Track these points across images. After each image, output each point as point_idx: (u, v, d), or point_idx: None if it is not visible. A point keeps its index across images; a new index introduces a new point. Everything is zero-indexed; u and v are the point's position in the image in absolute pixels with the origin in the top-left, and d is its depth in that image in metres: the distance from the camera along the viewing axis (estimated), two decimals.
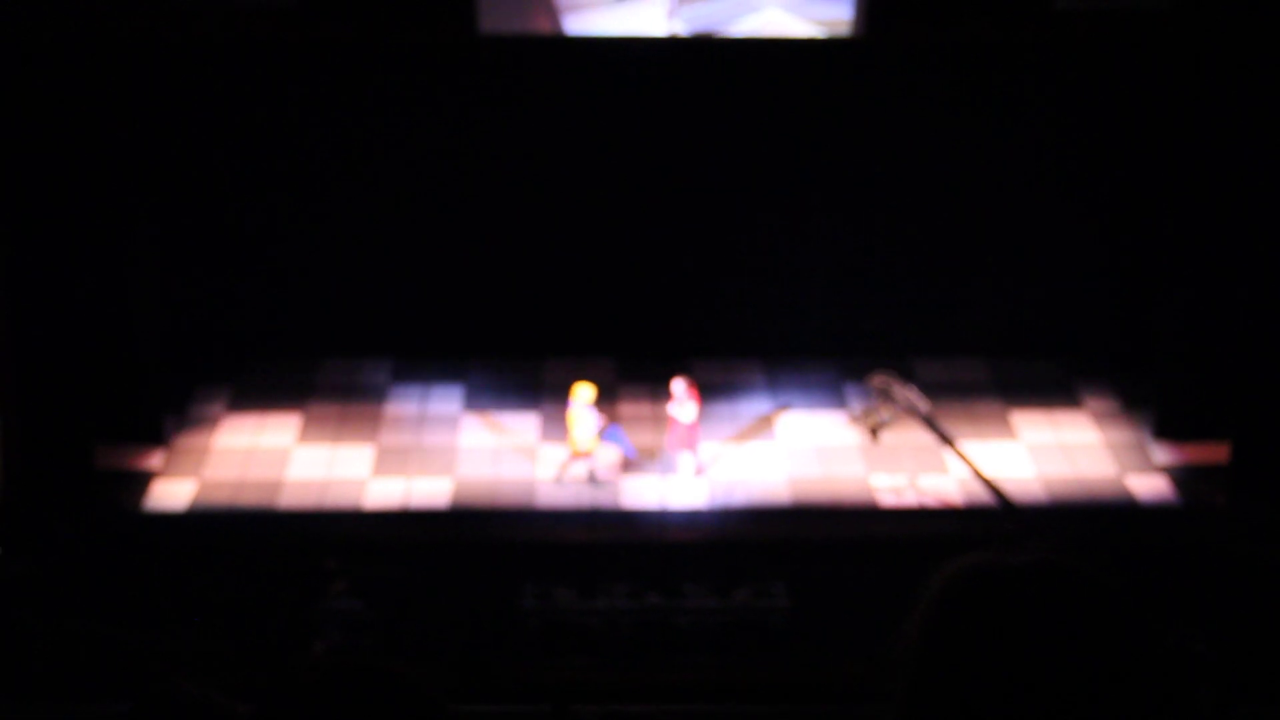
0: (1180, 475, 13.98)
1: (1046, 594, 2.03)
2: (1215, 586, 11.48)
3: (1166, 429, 14.36)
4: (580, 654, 11.79)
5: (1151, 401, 14.61)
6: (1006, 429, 14.70)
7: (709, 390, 14.42)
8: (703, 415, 13.88)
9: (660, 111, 14.52)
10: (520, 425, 14.70)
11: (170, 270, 14.32)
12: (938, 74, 14.20)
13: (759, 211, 15.10)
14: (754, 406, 14.98)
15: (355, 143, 14.70)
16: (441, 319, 15.34)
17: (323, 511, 13.44)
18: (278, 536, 12.93)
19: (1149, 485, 13.90)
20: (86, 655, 10.20)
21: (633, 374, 15.09)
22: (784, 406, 14.98)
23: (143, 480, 13.78)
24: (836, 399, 15.07)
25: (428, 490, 13.75)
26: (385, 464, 14.12)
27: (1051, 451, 14.37)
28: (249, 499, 13.60)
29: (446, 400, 15.07)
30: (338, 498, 13.64)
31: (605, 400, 14.00)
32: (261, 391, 15.13)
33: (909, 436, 14.06)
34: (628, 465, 13.83)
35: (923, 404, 13.68)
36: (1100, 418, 14.89)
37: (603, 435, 13.65)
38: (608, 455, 13.79)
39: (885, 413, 13.77)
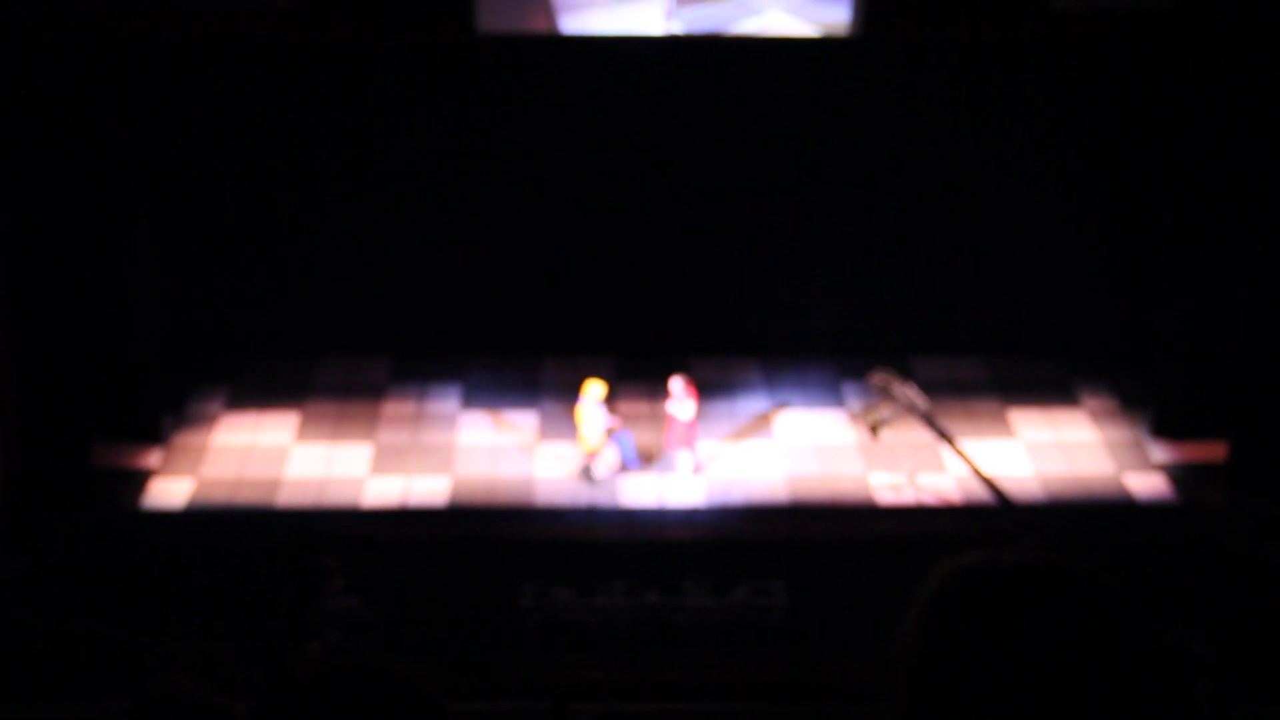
0: (1178, 474, 13.99)
1: (1043, 593, 2.03)
2: (1213, 585, 11.49)
3: (1164, 427, 14.37)
4: (579, 652, 11.80)
5: (1149, 400, 14.62)
6: (1005, 427, 14.70)
7: (707, 389, 14.42)
8: (701, 414, 13.88)
9: (658, 111, 14.51)
10: (518, 424, 14.70)
11: (168, 269, 14.32)
12: (935, 74, 14.20)
13: (757, 210, 15.10)
14: (752, 405, 14.98)
15: (353, 141, 14.70)
16: (440, 317, 15.35)
17: (321, 510, 13.44)
18: (276, 535, 12.92)
19: (1147, 484, 13.91)
20: (85, 654, 10.20)
21: (631, 373, 15.09)
22: (782, 405, 14.98)
23: (141, 479, 13.78)
24: (835, 397, 15.07)
25: (426, 488, 13.75)
26: (383, 462, 14.12)
27: (1050, 450, 14.37)
28: (247, 497, 13.60)
29: (445, 398, 15.07)
30: (336, 496, 13.63)
31: (604, 399, 13.99)
32: (259, 390, 15.13)
33: (908, 435, 14.06)
34: (623, 472, 13.82)
35: (922, 402, 13.68)
36: (1098, 416, 14.89)
37: (611, 436, 13.65)
38: (610, 456, 13.78)
39: (885, 410, 13.78)
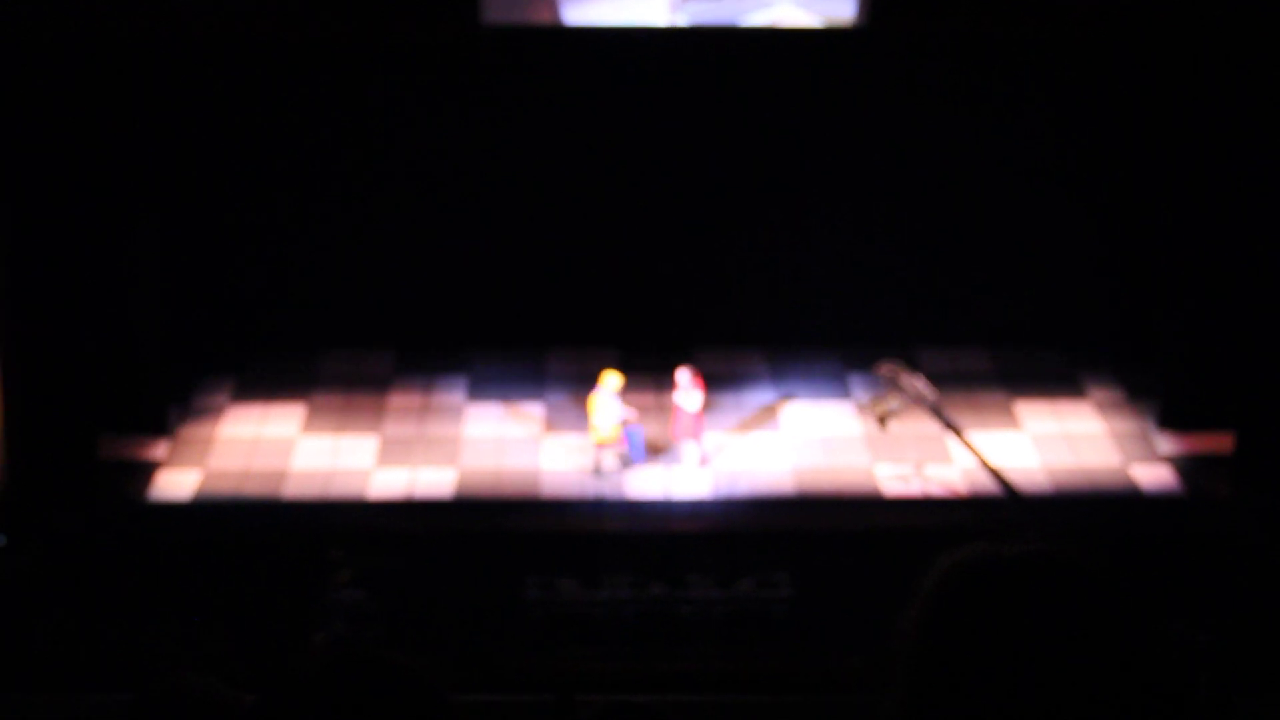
0: (1184, 465, 13.98)
1: (1048, 584, 2.03)
2: (1219, 577, 11.48)
3: (1170, 419, 14.36)
4: (584, 644, 11.80)
5: (1155, 391, 14.61)
6: (1010, 419, 14.69)
7: (712, 381, 14.42)
8: (707, 405, 13.88)
9: (663, 103, 14.50)
10: (523, 415, 14.70)
11: (174, 262, 14.32)
12: (940, 66, 14.18)
13: (762, 202, 15.09)
14: (758, 397, 14.98)
15: (358, 135, 14.70)
16: (445, 310, 15.35)
17: (327, 502, 13.46)
18: (282, 527, 12.95)
19: (1153, 475, 13.90)
20: (91, 645, 10.22)
21: (636, 365, 15.09)
22: (788, 396, 14.98)
23: (147, 470, 13.80)
24: (840, 389, 15.07)
25: (431, 480, 13.76)
26: (389, 454, 14.13)
27: (1055, 441, 14.36)
28: (253, 489, 13.62)
29: (450, 391, 15.08)
30: (342, 488, 13.65)
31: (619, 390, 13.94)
32: (265, 382, 15.15)
33: (913, 426, 14.06)
34: (626, 464, 13.81)
35: (930, 393, 13.68)
36: (1104, 408, 14.88)
37: (625, 428, 13.65)
38: (618, 449, 13.77)
39: (894, 401, 13.78)
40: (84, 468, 13.46)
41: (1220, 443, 13.93)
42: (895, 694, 2.07)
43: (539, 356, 15.51)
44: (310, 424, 14.59)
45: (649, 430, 14.01)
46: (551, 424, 14.53)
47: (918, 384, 13.70)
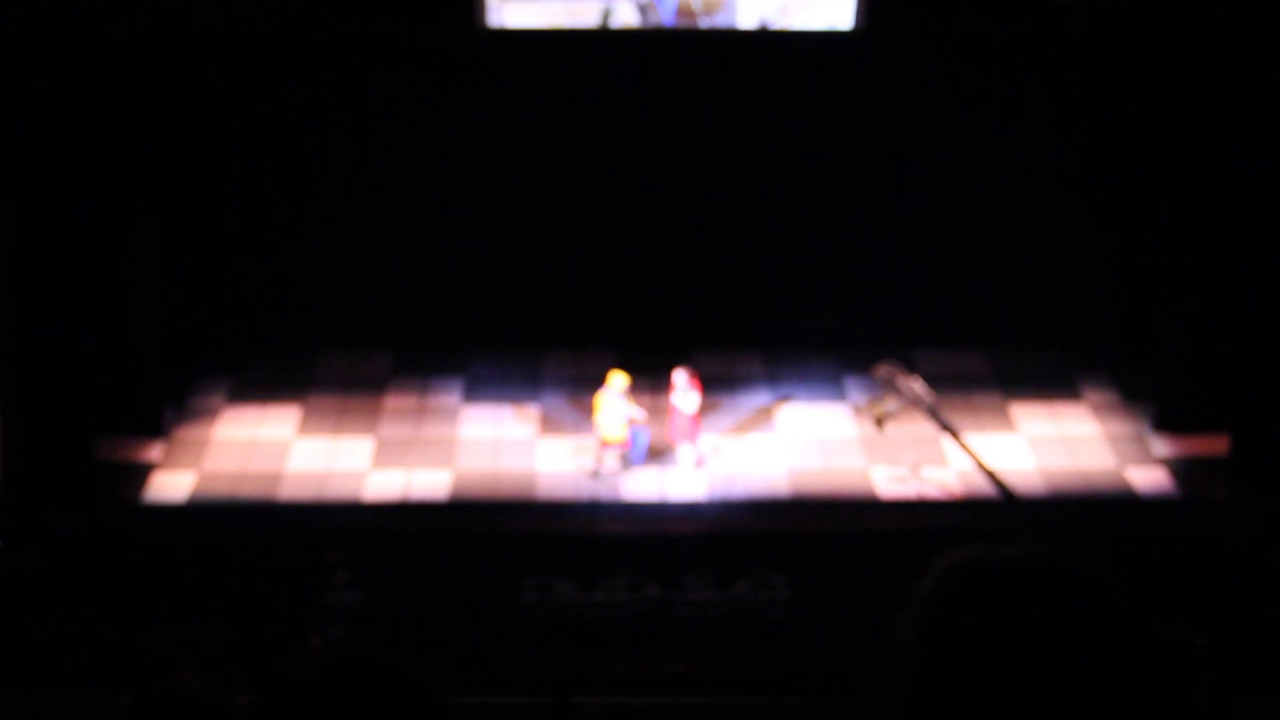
0: (1180, 468, 13.99)
1: (1044, 586, 2.03)
2: (1215, 579, 11.49)
3: (1166, 421, 14.37)
4: (581, 646, 11.81)
5: (1151, 394, 14.62)
6: (1006, 421, 14.70)
7: (709, 383, 14.42)
8: (703, 407, 13.88)
9: (661, 104, 14.51)
10: (519, 417, 14.71)
11: (170, 263, 14.32)
12: (937, 68, 14.19)
13: (759, 204, 15.10)
14: (754, 399, 14.99)
15: (354, 136, 14.70)
16: (441, 311, 15.35)
17: (323, 503, 13.45)
18: (278, 528, 12.94)
19: (1149, 477, 13.91)
20: (88, 647, 10.21)
21: (632, 366, 15.08)
22: (784, 399, 14.98)
23: (143, 472, 13.79)
24: (837, 391, 15.08)
25: (428, 482, 13.76)
26: (385, 456, 14.13)
27: (1051, 444, 14.37)
28: (249, 491, 13.61)
29: (446, 392, 15.08)
30: (338, 490, 13.64)
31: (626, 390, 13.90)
32: (261, 383, 15.14)
33: (909, 428, 14.07)
34: (627, 465, 13.80)
35: (927, 395, 13.69)
36: (1100, 410, 14.89)
37: (632, 427, 13.64)
38: (622, 450, 13.76)
39: (892, 403, 13.79)
40: (80, 469, 13.45)
41: (1216, 445, 13.94)
42: (892, 696, 2.08)
43: (535, 358, 15.51)
44: (306, 426, 14.59)
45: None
46: (548, 425, 14.53)
47: (915, 386, 13.71)
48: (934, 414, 13.64)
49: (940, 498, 13.58)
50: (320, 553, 12.02)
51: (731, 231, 15.19)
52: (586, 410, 14.28)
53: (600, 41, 13.29)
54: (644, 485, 13.69)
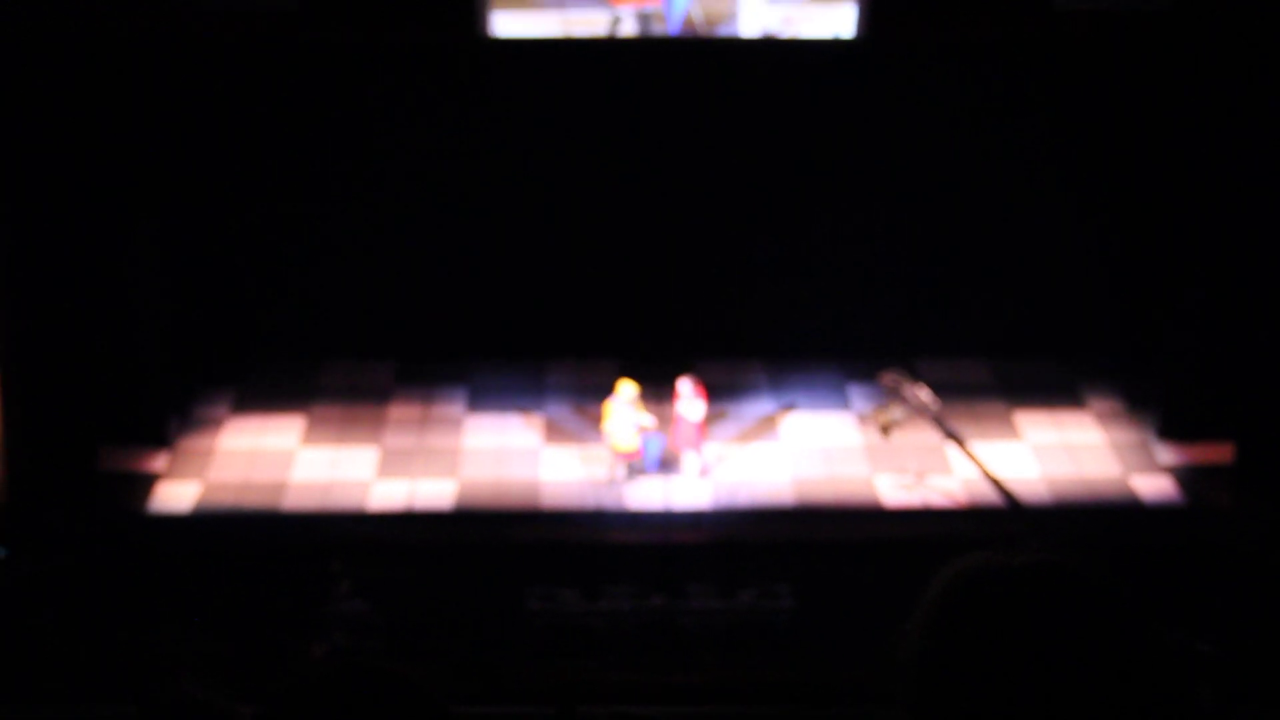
0: (1185, 475, 13.97)
1: (1049, 595, 2.03)
2: (1220, 587, 11.47)
3: (1171, 429, 14.35)
4: (585, 655, 11.80)
5: (1156, 401, 14.60)
6: (1010, 429, 14.69)
7: (713, 391, 14.41)
8: (708, 416, 13.87)
9: (663, 112, 14.51)
10: (523, 426, 14.71)
11: (174, 272, 14.33)
12: (939, 75, 14.19)
13: (762, 212, 15.10)
14: (758, 407, 14.98)
15: (358, 144, 14.71)
16: (445, 320, 15.35)
17: (327, 513, 13.45)
18: (282, 538, 12.94)
19: (1153, 486, 13.89)
20: (91, 657, 10.20)
21: (635, 376, 15.08)
22: (788, 407, 14.98)
23: (147, 482, 13.80)
24: (840, 400, 15.07)
25: (432, 492, 13.75)
26: (389, 465, 14.13)
27: (1055, 452, 14.36)
28: (253, 501, 13.61)
29: (450, 402, 15.08)
30: (342, 499, 13.64)
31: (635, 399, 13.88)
32: (265, 393, 15.15)
33: (914, 436, 14.06)
34: (634, 472, 13.78)
35: (933, 403, 13.68)
36: (1104, 418, 14.88)
37: (643, 436, 13.62)
38: (634, 459, 13.74)
39: (897, 411, 13.78)
40: (84, 479, 13.45)
41: (1220, 453, 13.92)
42: (898, 705, 2.07)
43: (539, 367, 15.51)
44: (310, 435, 14.59)
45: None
46: (552, 434, 14.54)
47: (921, 394, 13.71)
48: (939, 422, 13.63)
49: (945, 506, 13.56)
50: (324, 562, 12.03)
51: (735, 240, 15.19)
52: (591, 419, 14.28)
53: (602, 51, 13.30)
54: (648, 494, 13.69)
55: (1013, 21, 12.77)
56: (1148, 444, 14.43)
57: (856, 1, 12.41)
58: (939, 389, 14.26)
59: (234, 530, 13.12)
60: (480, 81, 14.37)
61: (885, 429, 13.90)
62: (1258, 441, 13.62)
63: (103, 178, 13.18)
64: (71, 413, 13.43)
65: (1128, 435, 14.60)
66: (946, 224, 15.09)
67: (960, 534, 12.82)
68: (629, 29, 12.58)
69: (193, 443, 14.43)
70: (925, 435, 14.00)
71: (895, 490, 13.73)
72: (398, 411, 14.95)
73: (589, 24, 12.61)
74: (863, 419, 14.52)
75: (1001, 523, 12.86)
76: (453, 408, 15.00)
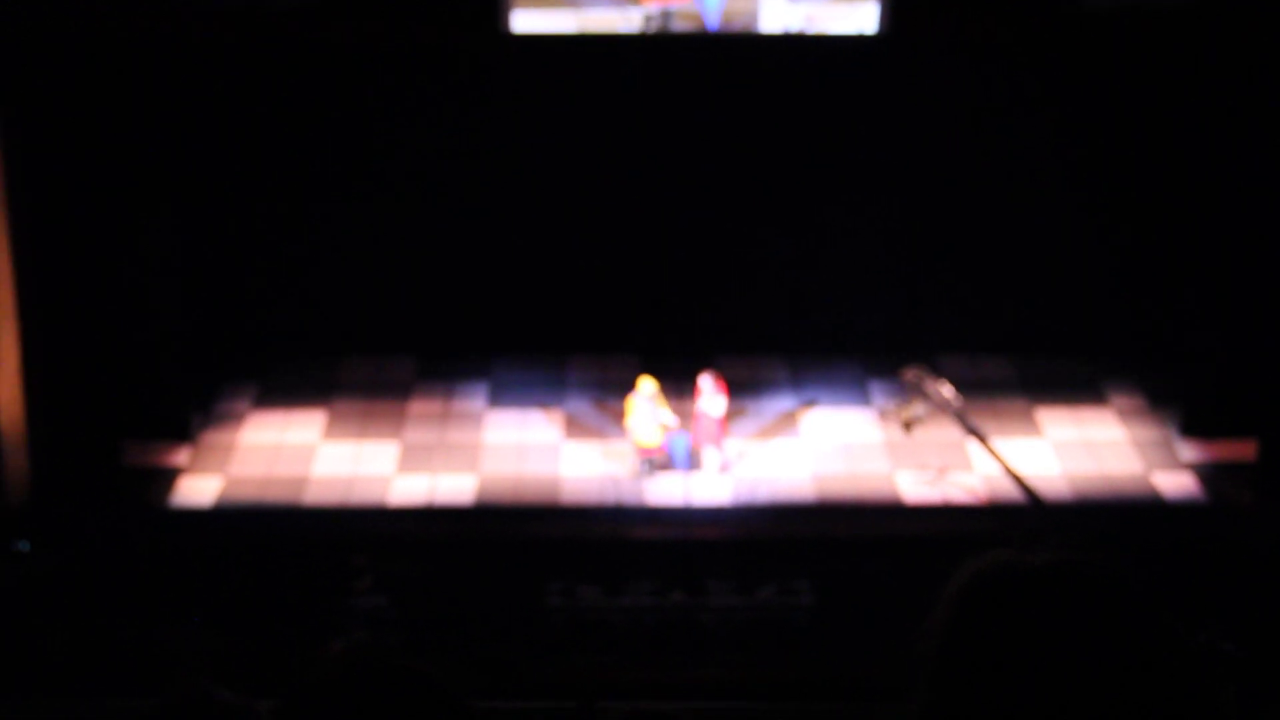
0: (1207, 473, 13.91)
1: (1070, 592, 2.02)
2: (1242, 585, 11.43)
3: (1193, 426, 14.29)
4: (605, 651, 11.79)
5: (1178, 398, 14.54)
6: (1032, 426, 14.64)
7: (733, 387, 14.40)
8: (728, 412, 13.86)
9: (684, 108, 14.50)
10: (544, 421, 14.71)
11: (196, 268, 14.37)
12: (962, 72, 14.16)
13: (783, 208, 15.08)
14: (778, 403, 14.96)
15: (379, 141, 14.73)
16: (466, 316, 15.37)
17: (348, 508, 13.47)
18: (302, 533, 12.97)
19: (1175, 483, 13.84)
20: (112, 651, 10.24)
21: (656, 372, 15.07)
22: (809, 403, 14.96)
23: (169, 477, 13.84)
24: (861, 396, 15.05)
25: (452, 487, 13.77)
26: (410, 460, 14.15)
27: (1077, 449, 14.31)
28: (274, 495, 13.64)
29: (471, 397, 15.09)
30: (363, 494, 13.67)
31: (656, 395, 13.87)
32: (287, 388, 15.18)
33: (935, 432, 14.03)
34: (656, 468, 13.75)
35: (955, 399, 13.65)
36: (1126, 415, 14.83)
37: (668, 434, 13.61)
38: (658, 456, 13.72)
39: (919, 407, 13.75)
40: (106, 474, 13.49)
41: (1243, 450, 13.86)
42: (917, 702, 2.07)
43: (560, 363, 15.51)
44: (331, 430, 14.61)
45: None
46: (572, 430, 14.54)
47: (943, 390, 13.68)
48: (961, 418, 13.59)
49: (966, 502, 13.53)
50: (345, 557, 12.05)
51: (756, 236, 15.17)
52: (612, 415, 14.28)
53: (624, 47, 13.29)
54: (669, 490, 13.68)
55: (1034, 17, 12.73)
56: (1170, 441, 14.37)
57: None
58: (960, 385, 14.23)
59: (255, 525, 13.15)
60: (500, 78, 14.38)
61: (907, 425, 13.88)
62: None
63: (123, 176, 13.22)
64: (94, 408, 13.48)
65: (1150, 432, 14.54)
66: (968, 220, 15.05)
67: (981, 531, 12.77)
68: (652, 26, 12.58)
69: (215, 437, 14.47)
70: (946, 431, 13.97)
71: (916, 486, 13.70)
72: (418, 407, 14.96)
73: (606, 22, 12.60)
74: (884, 415, 14.49)
75: (1022, 519, 12.82)
76: (473, 403, 15.01)
